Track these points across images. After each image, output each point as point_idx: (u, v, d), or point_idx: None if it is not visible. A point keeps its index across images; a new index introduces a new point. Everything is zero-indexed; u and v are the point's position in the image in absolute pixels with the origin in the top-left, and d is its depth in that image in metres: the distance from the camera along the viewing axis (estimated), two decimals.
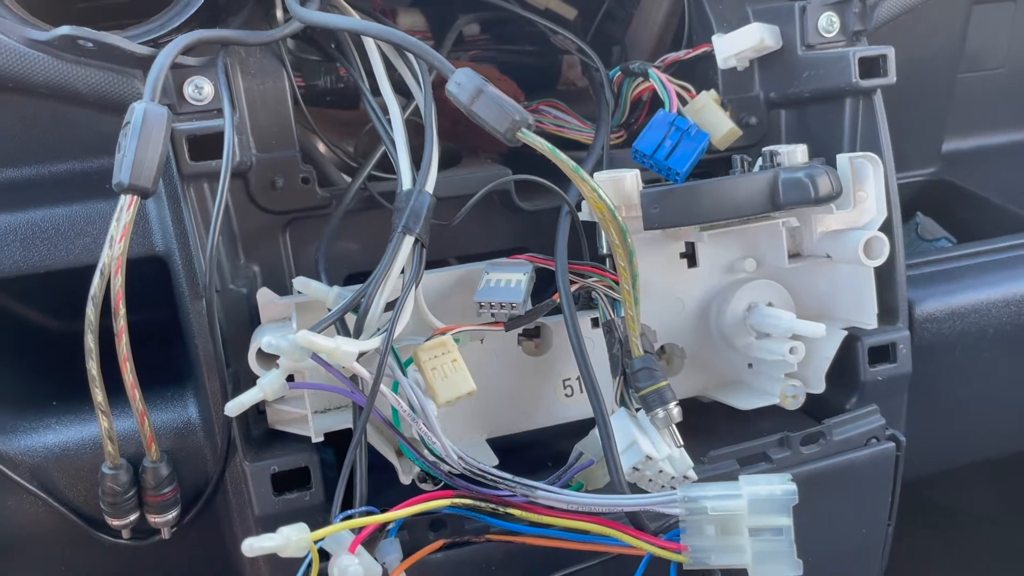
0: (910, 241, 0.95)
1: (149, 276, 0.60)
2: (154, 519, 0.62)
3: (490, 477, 0.53)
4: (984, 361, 0.79)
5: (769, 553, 0.49)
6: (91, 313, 0.53)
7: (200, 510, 0.64)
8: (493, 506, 0.53)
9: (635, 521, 0.52)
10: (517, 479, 0.53)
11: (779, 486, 0.49)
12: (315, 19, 0.62)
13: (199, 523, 0.64)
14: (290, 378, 0.57)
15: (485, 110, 0.56)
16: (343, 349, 0.51)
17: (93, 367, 0.54)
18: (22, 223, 0.61)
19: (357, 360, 0.52)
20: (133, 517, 0.61)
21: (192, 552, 0.66)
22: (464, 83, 0.57)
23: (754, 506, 0.49)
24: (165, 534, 0.63)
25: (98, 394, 0.55)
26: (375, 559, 0.50)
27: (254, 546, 0.43)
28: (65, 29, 0.56)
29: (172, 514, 0.62)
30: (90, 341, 0.54)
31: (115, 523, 0.61)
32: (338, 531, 0.47)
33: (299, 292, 0.61)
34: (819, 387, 0.67)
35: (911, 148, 0.95)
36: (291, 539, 0.44)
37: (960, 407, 0.81)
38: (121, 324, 0.53)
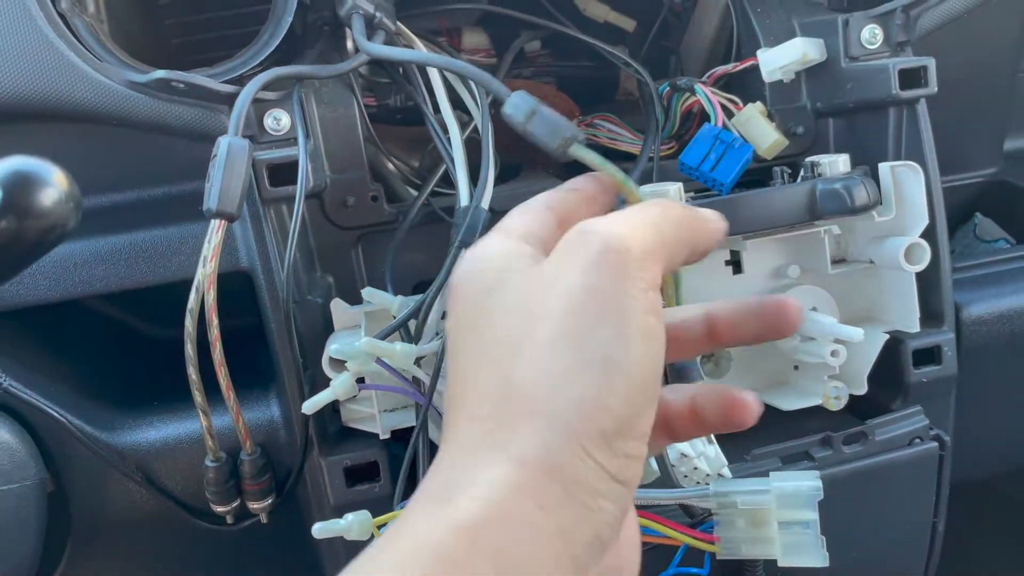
0: (968, 242, 0.95)
1: (237, 288, 0.67)
2: (253, 505, 0.69)
3: None
4: None
5: (797, 544, 0.52)
6: (189, 324, 0.60)
7: (283, 500, 0.70)
8: None
9: (670, 514, 0.56)
10: None
11: (805, 482, 0.52)
12: (380, 52, 0.68)
13: (283, 512, 0.71)
14: (361, 380, 0.63)
15: (538, 129, 0.59)
16: (402, 353, 0.56)
17: (193, 372, 0.61)
18: (126, 244, 0.69)
19: (417, 363, 0.58)
20: (235, 504, 0.69)
21: (276, 537, 0.73)
22: (518, 105, 0.60)
23: (781, 501, 0.52)
24: (263, 519, 0.70)
25: (198, 396, 0.62)
26: None
27: (323, 529, 0.49)
28: (160, 73, 0.63)
29: (269, 500, 0.69)
30: (189, 349, 0.60)
31: (220, 509, 0.68)
32: (397, 517, 0.53)
33: (368, 301, 0.67)
34: (861, 388, 0.69)
35: (971, 148, 0.95)
36: (354, 524, 0.50)
37: (1015, 409, 0.81)
38: (215, 333, 0.60)
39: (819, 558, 0.51)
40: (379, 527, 0.53)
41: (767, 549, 0.52)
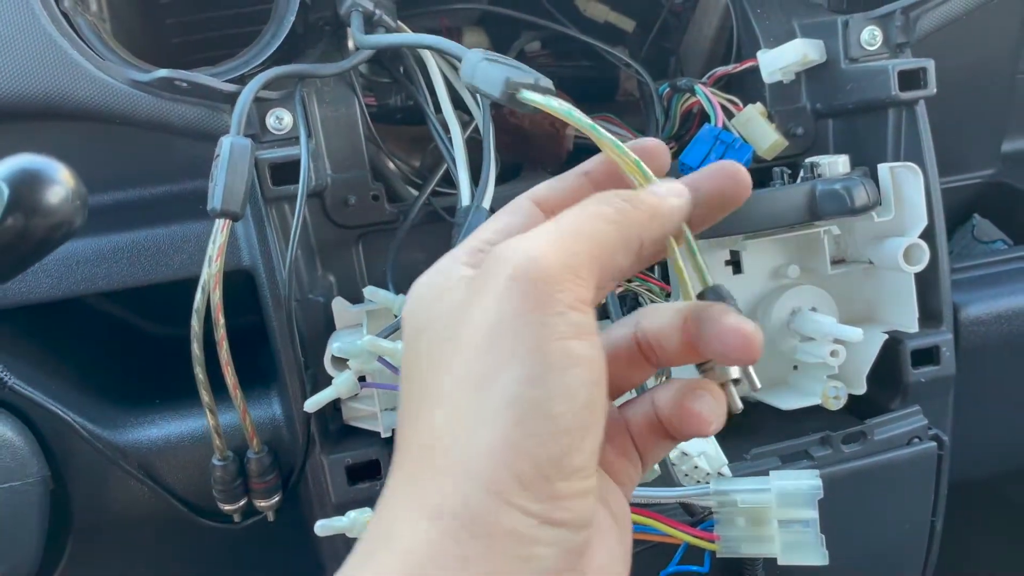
0: (966, 243, 0.95)
1: (238, 287, 0.67)
2: (260, 503, 0.69)
3: None
4: None
5: (796, 543, 0.53)
6: (195, 324, 0.60)
7: (286, 498, 0.70)
8: None
9: (671, 512, 0.57)
10: None
11: (805, 481, 0.53)
12: (372, 42, 0.68)
13: (284, 509, 0.71)
14: (362, 379, 0.63)
15: (482, 80, 0.44)
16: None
17: (200, 372, 0.61)
18: (128, 242, 0.69)
19: None
20: (243, 502, 0.69)
21: (277, 534, 0.73)
22: (468, 60, 0.47)
23: (781, 499, 0.52)
24: (270, 517, 0.70)
25: (205, 396, 0.63)
26: None
27: (325, 527, 0.50)
28: (163, 72, 0.63)
29: (276, 498, 0.69)
30: (196, 349, 0.60)
31: (227, 508, 0.69)
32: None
33: (369, 300, 0.67)
34: (860, 388, 0.69)
35: (969, 150, 0.95)
36: (356, 522, 0.50)
37: (1013, 409, 0.82)
38: (221, 333, 0.60)
39: (819, 556, 0.52)
40: None
41: (767, 547, 0.53)
